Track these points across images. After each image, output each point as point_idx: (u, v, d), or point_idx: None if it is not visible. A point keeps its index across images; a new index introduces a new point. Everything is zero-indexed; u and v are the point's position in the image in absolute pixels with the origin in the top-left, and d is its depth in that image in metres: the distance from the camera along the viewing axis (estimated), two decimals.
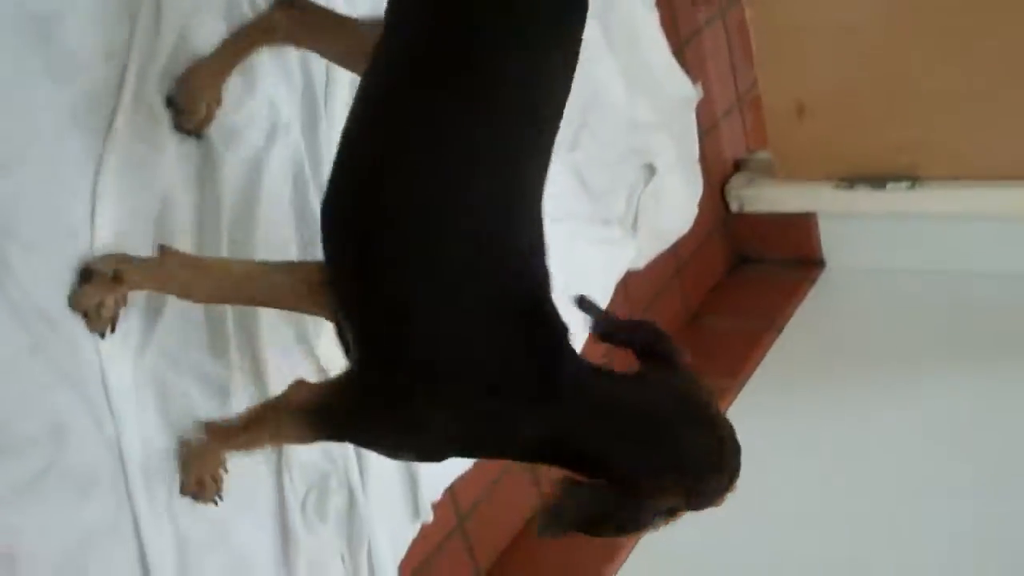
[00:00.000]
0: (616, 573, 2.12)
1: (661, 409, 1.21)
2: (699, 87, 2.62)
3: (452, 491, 1.99)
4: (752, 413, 2.31)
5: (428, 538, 1.94)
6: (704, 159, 2.68)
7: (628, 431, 1.20)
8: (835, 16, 2.60)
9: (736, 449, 1.22)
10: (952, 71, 2.50)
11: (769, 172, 2.86)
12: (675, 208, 2.55)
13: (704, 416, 1.22)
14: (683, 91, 2.54)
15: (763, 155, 2.92)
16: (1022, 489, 2.06)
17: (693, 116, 2.61)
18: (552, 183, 2.07)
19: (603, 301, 2.30)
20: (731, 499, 1.21)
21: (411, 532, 1.84)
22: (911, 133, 2.60)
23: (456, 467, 1.93)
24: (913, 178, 2.64)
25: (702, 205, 2.67)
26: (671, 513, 1.20)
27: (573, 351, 1.26)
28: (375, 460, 1.73)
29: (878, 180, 2.67)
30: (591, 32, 2.18)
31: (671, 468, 1.19)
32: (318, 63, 1.67)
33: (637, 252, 2.38)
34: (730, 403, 2.42)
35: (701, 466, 1.19)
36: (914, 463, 2.18)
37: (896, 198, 2.65)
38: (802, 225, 2.84)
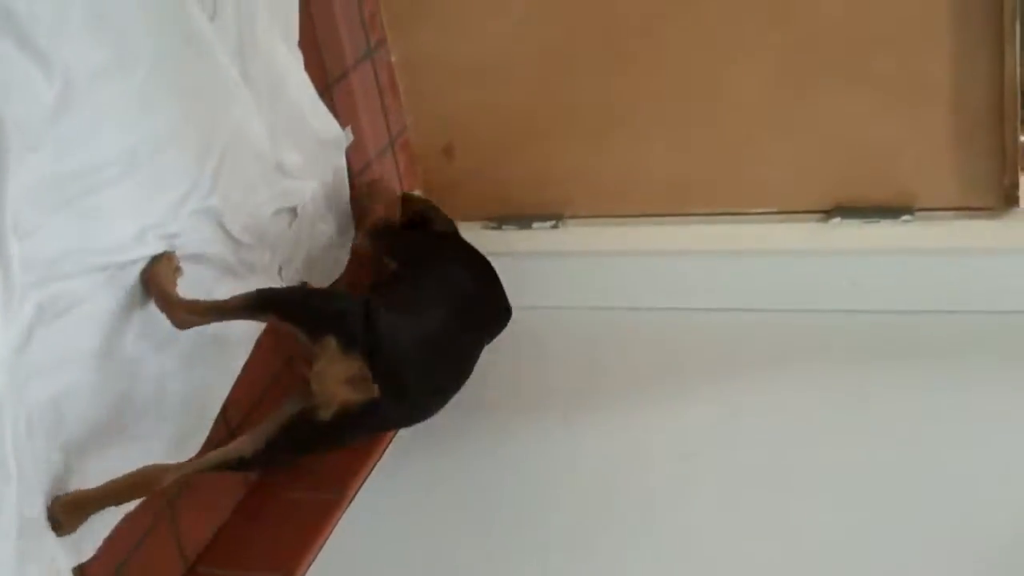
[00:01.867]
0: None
1: None
2: (348, 131, 2.60)
3: None
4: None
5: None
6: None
7: None
8: (475, 58, 2.67)
9: None
10: (590, 113, 2.62)
11: None
12: (325, 254, 2.51)
13: None
14: (332, 134, 2.52)
15: (417, 194, 2.94)
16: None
17: (343, 159, 2.59)
18: (189, 231, 2.06)
19: (249, 341, 2.25)
20: None
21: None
22: (552, 173, 2.70)
23: None
24: (557, 217, 2.74)
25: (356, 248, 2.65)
26: None
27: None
28: None
29: (524, 220, 2.76)
30: (230, 73, 2.16)
31: None
32: None
33: None
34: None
35: None
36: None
37: (542, 237, 2.74)
38: None
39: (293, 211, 2.40)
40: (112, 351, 1.91)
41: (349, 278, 2.58)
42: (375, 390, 1.84)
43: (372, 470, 2.36)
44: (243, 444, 1.87)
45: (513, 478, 2.28)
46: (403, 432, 2.40)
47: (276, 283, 2.32)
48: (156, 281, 1.96)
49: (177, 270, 2.01)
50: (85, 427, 1.86)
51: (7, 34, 1.67)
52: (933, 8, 2.33)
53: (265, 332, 2.28)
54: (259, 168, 2.27)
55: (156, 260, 1.97)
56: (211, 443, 2.11)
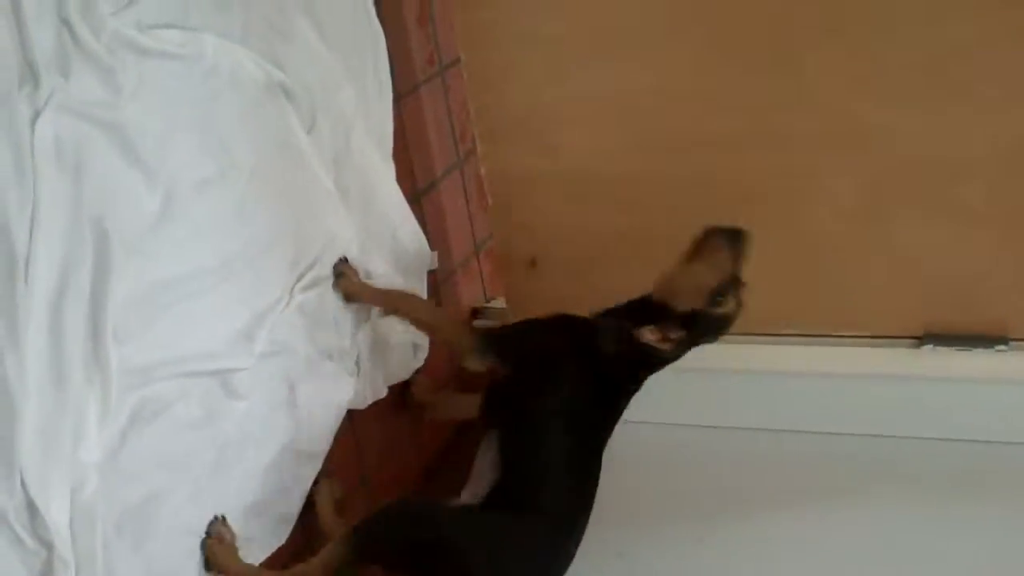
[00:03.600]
0: None
1: None
2: (435, 256, 2.62)
3: None
4: None
5: None
6: (441, 307, 2.68)
7: None
8: (563, 176, 2.69)
9: None
10: (674, 235, 2.60)
11: (505, 321, 2.88)
12: (402, 348, 2.50)
13: None
14: (418, 246, 2.53)
15: (500, 303, 2.95)
16: None
17: (425, 282, 2.58)
18: (275, 329, 2.07)
19: (326, 438, 2.24)
20: None
21: None
22: (637, 289, 2.67)
23: None
24: None
25: (440, 353, 2.65)
26: None
27: None
28: None
29: None
30: (325, 184, 2.20)
31: None
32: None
33: (356, 393, 2.32)
34: None
35: None
36: None
37: None
38: None
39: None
40: (200, 456, 1.92)
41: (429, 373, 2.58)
42: None
43: None
44: None
45: None
46: None
47: (353, 373, 2.33)
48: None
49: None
50: (173, 530, 1.87)
51: (114, 145, 1.72)
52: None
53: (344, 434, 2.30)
54: None
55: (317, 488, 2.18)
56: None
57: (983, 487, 2.37)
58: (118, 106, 1.72)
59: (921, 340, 2.49)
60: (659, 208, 2.63)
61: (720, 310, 2.07)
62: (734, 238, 2.07)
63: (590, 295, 2.73)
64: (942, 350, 2.47)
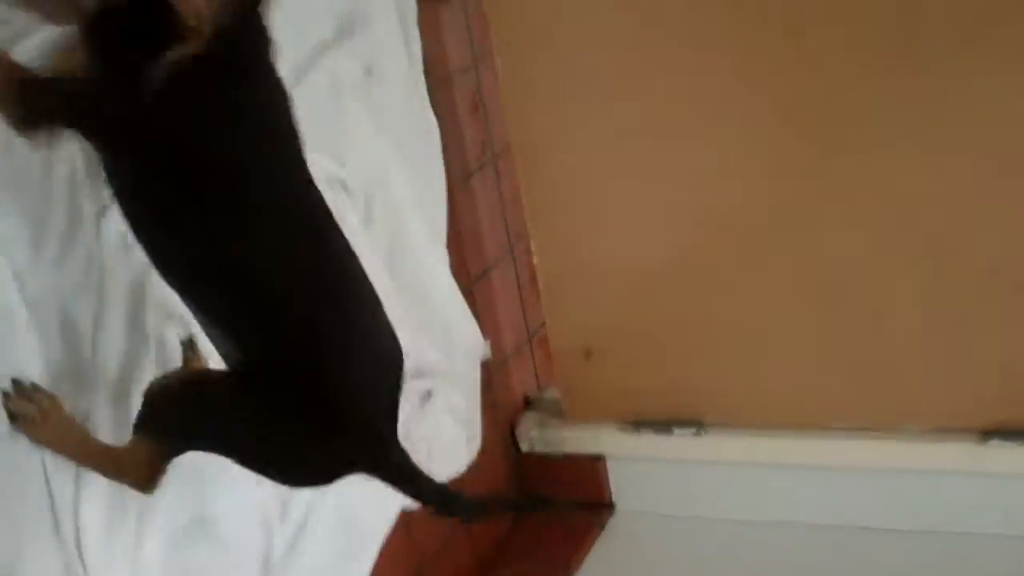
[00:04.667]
0: None
1: None
2: (488, 345, 2.60)
3: None
4: None
5: None
6: (493, 396, 2.66)
7: None
8: (616, 265, 2.67)
9: None
10: (732, 326, 2.59)
11: (559, 412, 2.85)
12: (447, 454, 2.45)
13: None
14: (472, 339, 2.52)
15: (553, 393, 2.92)
16: None
17: (478, 371, 2.56)
18: None
19: (377, 539, 2.19)
20: None
21: None
22: (695, 380, 2.65)
23: None
24: (698, 424, 2.68)
25: (492, 444, 2.62)
26: None
27: None
28: None
29: (664, 425, 2.70)
30: (380, 280, 2.19)
31: None
32: None
33: None
34: None
35: None
36: None
37: (683, 444, 2.68)
38: (592, 467, 2.82)
39: (427, 394, 2.38)
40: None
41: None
42: None
43: None
44: None
45: None
46: None
47: None
48: None
49: None
50: None
51: None
52: None
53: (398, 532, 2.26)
54: None
55: None
56: None
57: None
58: None
59: (987, 435, 2.43)
60: (716, 299, 2.60)
61: None
62: None
63: (646, 384, 2.71)
64: (1009, 445, 2.41)
